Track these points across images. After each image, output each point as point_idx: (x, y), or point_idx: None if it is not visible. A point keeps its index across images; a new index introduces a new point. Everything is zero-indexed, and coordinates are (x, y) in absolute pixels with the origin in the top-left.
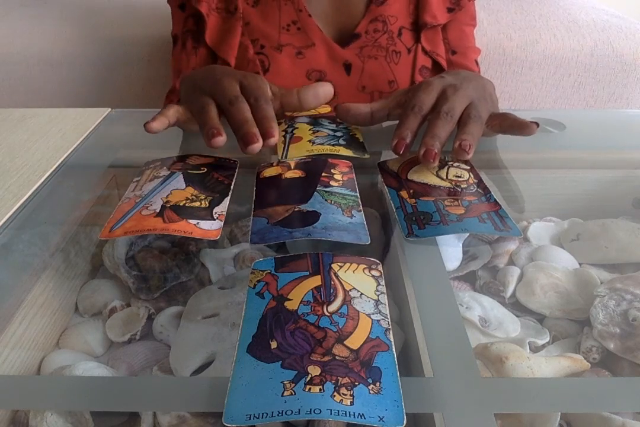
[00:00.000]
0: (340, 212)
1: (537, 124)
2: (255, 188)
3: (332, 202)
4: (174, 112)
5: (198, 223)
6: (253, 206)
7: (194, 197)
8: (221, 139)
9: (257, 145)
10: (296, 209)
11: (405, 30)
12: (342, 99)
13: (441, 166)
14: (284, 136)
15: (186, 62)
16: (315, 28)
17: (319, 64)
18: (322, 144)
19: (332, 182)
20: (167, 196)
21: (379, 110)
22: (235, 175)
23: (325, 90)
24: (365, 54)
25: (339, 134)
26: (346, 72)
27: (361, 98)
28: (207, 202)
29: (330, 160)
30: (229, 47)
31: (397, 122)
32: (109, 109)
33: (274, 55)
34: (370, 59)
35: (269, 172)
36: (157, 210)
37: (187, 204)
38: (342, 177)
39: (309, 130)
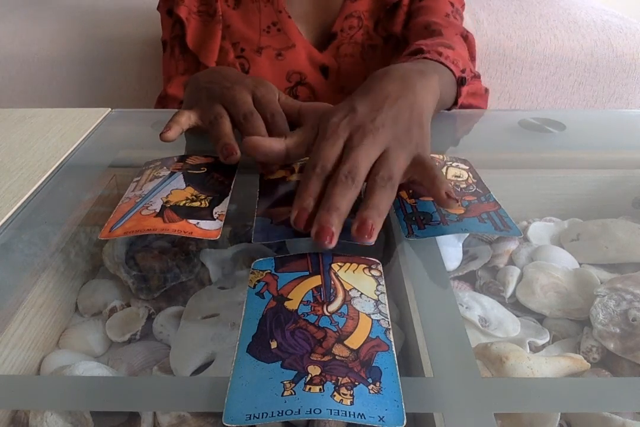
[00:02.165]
0: None
1: (457, 200)
2: (258, 189)
3: None
4: (186, 119)
5: (198, 223)
6: (256, 206)
7: (194, 197)
8: (235, 158)
9: (275, 168)
10: None
11: (380, 23)
12: (322, 101)
13: (440, 166)
14: None
15: (175, 68)
16: (294, 30)
17: (299, 66)
18: None
19: None
20: (167, 196)
21: (295, 146)
22: (235, 175)
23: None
24: (341, 54)
25: None
26: (324, 76)
27: (341, 99)
28: (207, 202)
29: None
30: (209, 51)
31: None
32: (109, 109)
33: (254, 58)
34: (346, 58)
35: (273, 174)
36: (157, 210)
37: (187, 204)
38: None
39: None
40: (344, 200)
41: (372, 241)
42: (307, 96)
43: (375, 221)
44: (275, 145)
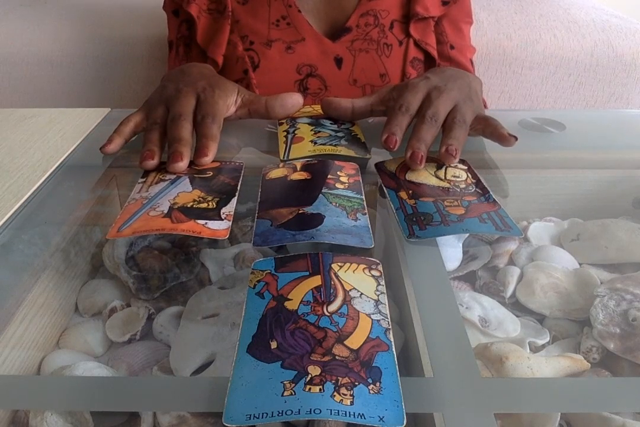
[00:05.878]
0: (345, 215)
1: (516, 138)
2: (260, 189)
3: (337, 204)
4: (129, 129)
5: (206, 223)
6: (257, 208)
7: (201, 199)
8: (151, 163)
9: (180, 165)
10: (300, 212)
11: (397, 23)
12: (333, 93)
13: (439, 166)
14: (286, 137)
15: None
16: (304, 23)
17: (310, 59)
18: (324, 144)
19: (337, 185)
20: (174, 198)
21: (360, 106)
22: (241, 177)
23: (294, 100)
24: (356, 48)
25: (340, 134)
26: (337, 66)
27: (352, 91)
28: (214, 204)
29: (336, 162)
30: (216, 46)
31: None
32: (109, 109)
33: (264, 51)
34: (362, 53)
35: (274, 173)
36: (165, 212)
37: (194, 206)
38: (348, 180)
39: (311, 130)
40: (429, 134)
41: (456, 160)
42: (318, 87)
43: (457, 147)
44: (344, 103)
